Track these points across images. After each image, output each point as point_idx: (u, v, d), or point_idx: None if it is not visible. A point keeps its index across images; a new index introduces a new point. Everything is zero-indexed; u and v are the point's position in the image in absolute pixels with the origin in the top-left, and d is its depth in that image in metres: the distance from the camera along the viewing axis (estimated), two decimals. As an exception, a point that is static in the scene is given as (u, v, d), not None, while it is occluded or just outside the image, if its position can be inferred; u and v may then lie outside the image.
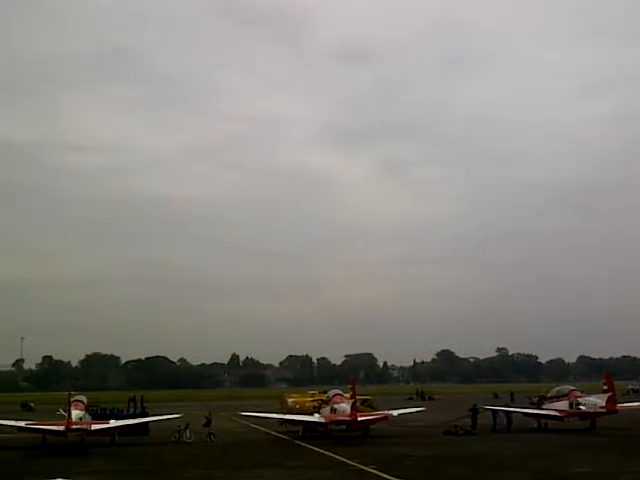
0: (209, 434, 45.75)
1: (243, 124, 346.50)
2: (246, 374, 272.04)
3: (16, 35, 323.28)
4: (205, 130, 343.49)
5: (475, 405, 52.48)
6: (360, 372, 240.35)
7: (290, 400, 60.98)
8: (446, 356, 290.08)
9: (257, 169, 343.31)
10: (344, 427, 47.19)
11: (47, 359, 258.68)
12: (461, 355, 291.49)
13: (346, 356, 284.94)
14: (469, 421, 50.18)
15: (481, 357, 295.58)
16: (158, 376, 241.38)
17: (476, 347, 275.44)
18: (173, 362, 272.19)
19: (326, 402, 50.12)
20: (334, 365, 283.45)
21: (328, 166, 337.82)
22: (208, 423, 49.81)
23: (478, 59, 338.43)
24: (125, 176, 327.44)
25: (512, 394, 73.67)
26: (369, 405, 59.79)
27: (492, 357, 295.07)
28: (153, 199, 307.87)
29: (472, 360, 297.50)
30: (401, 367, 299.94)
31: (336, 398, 49.17)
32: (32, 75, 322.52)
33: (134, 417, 51.76)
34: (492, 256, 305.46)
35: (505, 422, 50.42)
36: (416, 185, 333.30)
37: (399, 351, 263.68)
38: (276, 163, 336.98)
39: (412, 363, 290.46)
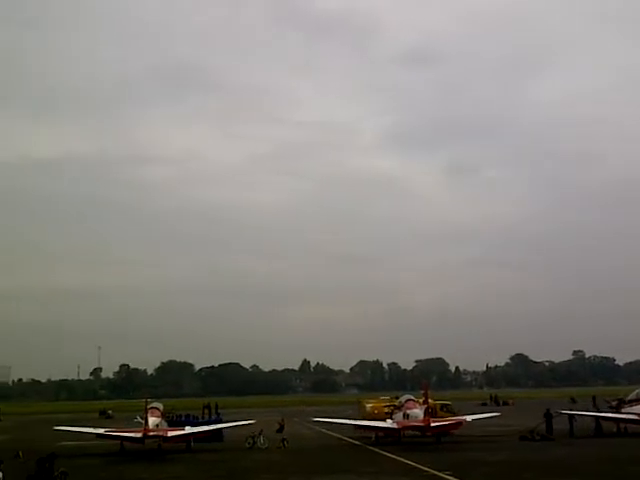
0: (282, 440, 46.05)
1: (308, 131, 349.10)
2: (317, 380, 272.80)
3: (85, 52, 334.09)
4: (270, 138, 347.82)
5: (549, 410, 51.31)
6: (432, 377, 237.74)
7: (368, 406, 60.92)
8: (520, 360, 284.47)
9: (323, 175, 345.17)
10: (418, 433, 46.86)
11: (124, 367, 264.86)
12: (536, 359, 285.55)
13: (417, 361, 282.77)
14: (540, 427, 49.06)
15: (556, 360, 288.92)
16: (231, 382, 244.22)
17: (551, 350, 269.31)
18: (245, 368, 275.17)
19: (398, 408, 49.84)
20: (405, 370, 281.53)
21: (394, 170, 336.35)
22: (281, 429, 50.20)
23: (542, 57, 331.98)
24: (194, 186, 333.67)
25: (594, 398, 71.33)
26: (449, 410, 59.03)
27: (568, 360, 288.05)
28: (223, 208, 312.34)
29: (547, 364, 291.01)
30: (474, 372, 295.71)
31: (409, 404, 48.83)
32: (101, 90, 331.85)
33: (209, 424, 52.56)
34: (564, 257, 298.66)
35: (594, 426, 49.20)
36: (484, 186, 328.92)
37: (471, 355, 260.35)
38: (342, 169, 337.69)
39: (485, 368, 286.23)
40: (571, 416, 50.94)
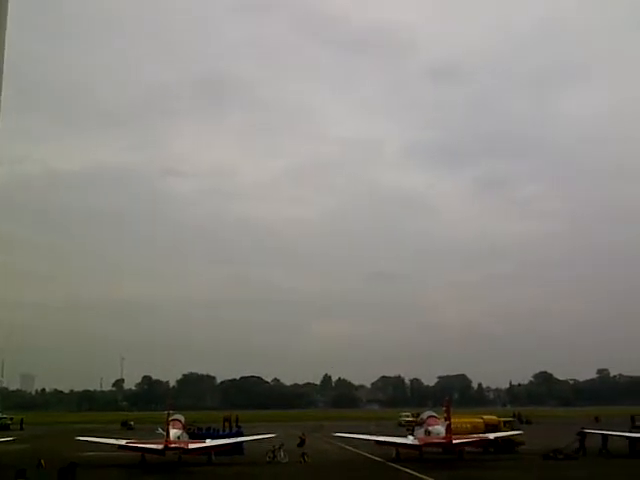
0: (303, 454, 45.87)
1: (338, 146, 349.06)
2: (338, 395, 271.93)
3: (117, 65, 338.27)
4: (301, 153, 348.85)
5: (583, 429, 50.54)
6: (454, 394, 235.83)
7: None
8: (544, 378, 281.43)
9: (352, 191, 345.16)
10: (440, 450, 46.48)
11: (146, 379, 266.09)
12: (560, 377, 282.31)
13: (439, 377, 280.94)
14: (572, 446, 48.37)
15: (580, 379, 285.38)
16: (252, 396, 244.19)
17: (575, 369, 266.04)
18: (267, 382, 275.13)
19: (420, 424, 49.46)
20: (427, 386, 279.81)
21: (423, 185, 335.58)
22: (302, 443, 50.03)
23: (573, 73, 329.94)
24: (222, 200, 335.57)
25: (633, 418, 69.04)
26: (511, 427, 58.03)
27: (592, 379, 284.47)
28: (250, 222, 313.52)
29: (571, 382, 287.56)
30: (497, 389, 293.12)
31: (430, 420, 48.48)
32: (132, 104, 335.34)
33: (230, 437, 52.50)
34: (592, 274, 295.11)
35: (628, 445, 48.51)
36: (515, 202, 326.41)
37: (495, 372, 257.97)
38: (372, 184, 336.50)
39: (508, 385, 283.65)
40: (605, 436, 50.10)
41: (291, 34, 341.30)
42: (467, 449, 47.35)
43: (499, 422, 55.95)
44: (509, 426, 57.48)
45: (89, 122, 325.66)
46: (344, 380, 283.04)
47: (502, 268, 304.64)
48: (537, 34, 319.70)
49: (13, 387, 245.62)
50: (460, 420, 53.19)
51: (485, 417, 57.58)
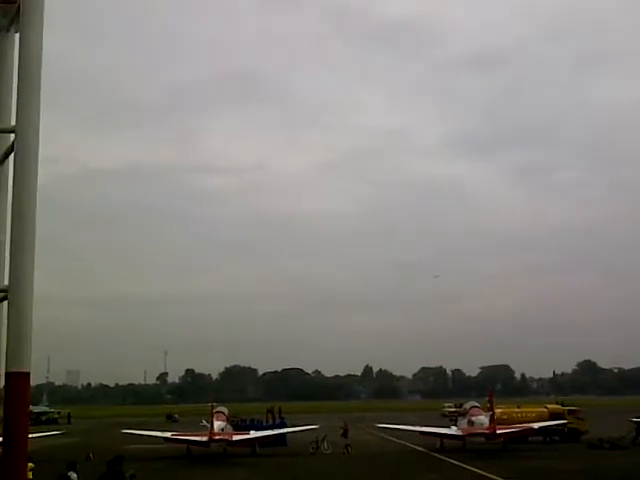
0: (346, 446, 45.97)
1: (371, 138, 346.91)
2: (379, 386, 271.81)
3: (153, 62, 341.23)
4: (333, 146, 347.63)
5: (637, 418, 49.77)
6: (497, 384, 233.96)
7: (497, 411, 60.08)
8: (588, 367, 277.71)
9: (388, 181, 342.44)
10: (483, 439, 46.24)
11: (189, 372, 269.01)
12: (604, 365, 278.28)
13: (481, 368, 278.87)
14: (628, 436, 47.63)
15: (626, 367, 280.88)
16: (293, 387, 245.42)
17: (621, 357, 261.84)
18: (308, 374, 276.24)
19: (463, 414, 49.26)
20: (469, 377, 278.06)
21: (460, 174, 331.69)
22: (345, 434, 50.14)
23: (607, 59, 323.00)
24: (258, 195, 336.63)
25: None
26: (577, 417, 57.44)
27: (638, 367, 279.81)
28: (287, 216, 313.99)
29: (616, 371, 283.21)
30: (540, 379, 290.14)
31: (473, 410, 48.27)
32: (165, 101, 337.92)
33: (273, 428, 52.86)
34: (634, 261, 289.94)
35: None
36: (552, 190, 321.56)
37: (538, 362, 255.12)
38: (406, 175, 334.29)
39: (552, 374, 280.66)
40: None
41: (319, 27, 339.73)
42: (530, 438, 47.19)
43: (564, 411, 55.52)
44: (574, 415, 56.82)
45: (123, 120, 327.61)
46: (385, 371, 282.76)
47: (542, 257, 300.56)
48: (571, 19, 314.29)
49: (59, 382, 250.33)
50: (525, 409, 53.38)
51: (549, 406, 57.48)
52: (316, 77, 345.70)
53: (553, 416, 53.15)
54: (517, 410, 56.15)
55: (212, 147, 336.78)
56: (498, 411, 58.48)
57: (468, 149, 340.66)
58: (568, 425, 52.53)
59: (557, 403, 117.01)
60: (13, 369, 8.03)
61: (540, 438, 50.16)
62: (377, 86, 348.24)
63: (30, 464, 27.66)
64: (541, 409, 55.38)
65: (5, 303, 8.28)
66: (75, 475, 21.72)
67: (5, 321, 8.36)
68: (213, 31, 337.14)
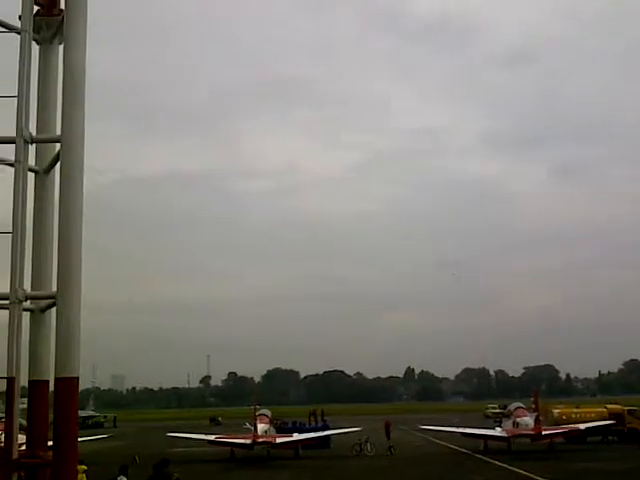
0: (390, 447, 45.84)
1: (407, 137, 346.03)
2: (422, 387, 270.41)
3: (186, 68, 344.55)
4: (369, 146, 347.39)
5: None
6: (541, 384, 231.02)
7: (556, 412, 59.70)
8: (635, 366, 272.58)
9: (423, 181, 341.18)
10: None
11: (232, 375, 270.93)
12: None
13: (525, 368, 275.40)
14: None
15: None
16: (335, 390, 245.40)
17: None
18: (349, 376, 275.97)
19: (507, 416, 48.75)
20: (512, 377, 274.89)
21: (499, 172, 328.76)
22: (387, 434, 50.01)
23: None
24: (295, 197, 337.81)
25: None
26: (637, 417, 56.59)
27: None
28: (324, 218, 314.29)
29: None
30: (585, 379, 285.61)
31: (518, 411, 47.75)
32: (202, 106, 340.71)
33: (316, 430, 52.93)
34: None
35: None
36: (596, 187, 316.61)
37: (583, 362, 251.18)
38: (442, 174, 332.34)
39: (597, 374, 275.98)
40: None
41: (354, 27, 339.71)
42: (589, 439, 47.10)
43: (623, 411, 54.62)
44: (634, 415, 55.83)
45: (162, 127, 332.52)
46: (427, 372, 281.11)
47: (586, 254, 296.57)
48: (607, 14, 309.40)
49: (105, 387, 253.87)
50: (584, 410, 52.88)
51: (609, 406, 56.66)
52: (352, 77, 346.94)
53: (613, 416, 52.44)
54: (576, 410, 55.58)
55: (248, 151, 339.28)
56: (556, 411, 57.88)
57: (505, 146, 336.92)
58: (627, 425, 51.69)
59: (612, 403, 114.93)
60: (62, 374, 8.18)
61: (598, 439, 49.24)
62: (413, 85, 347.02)
63: (83, 466, 28.23)
64: (600, 409, 54.76)
65: (54, 309, 8.45)
66: (125, 479, 21.94)
67: (54, 327, 8.53)
68: (250, 35, 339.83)
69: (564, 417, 54.90)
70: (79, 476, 27.38)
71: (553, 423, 52.13)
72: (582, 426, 49.12)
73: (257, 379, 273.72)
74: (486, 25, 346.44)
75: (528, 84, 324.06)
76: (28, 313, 8.78)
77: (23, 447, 8.68)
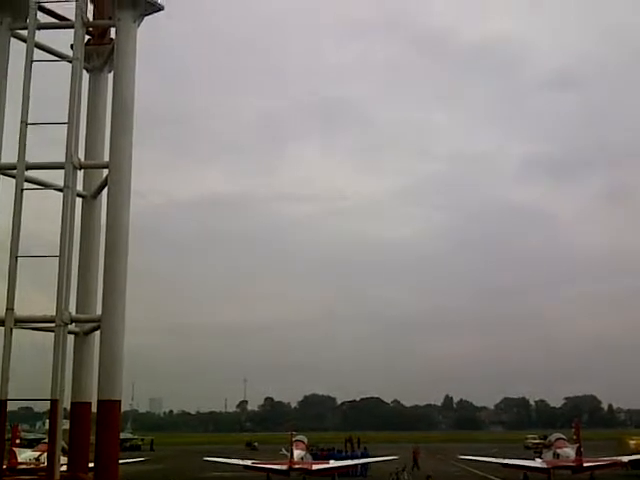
0: (428, 477, 45.15)
1: (451, 162, 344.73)
2: (460, 416, 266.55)
3: (228, 91, 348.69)
4: (414, 171, 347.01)
5: None
6: (583, 415, 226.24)
7: (632, 442, 58.87)
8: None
9: (467, 206, 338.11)
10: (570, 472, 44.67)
11: (268, 400, 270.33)
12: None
13: (566, 398, 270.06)
14: None
15: None
16: (372, 417, 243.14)
17: None
18: (387, 403, 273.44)
19: (548, 447, 47.81)
20: (553, 408, 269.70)
21: (540, 198, 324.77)
22: (415, 462, 49.46)
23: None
24: (337, 220, 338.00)
25: None
26: None
27: None
28: (367, 241, 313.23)
29: None
30: (628, 410, 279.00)
31: (558, 442, 46.80)
32: (244, 130, 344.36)
33: (353, 458, 52.51)
34: None
35: None
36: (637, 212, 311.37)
37: (627, 392, 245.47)
38: (487, 199, 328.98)
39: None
40: None
41: (400, 52, 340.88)
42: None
43: None
44: None
45: (204, 151, 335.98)
46: (466, 401, 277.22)
47: (631, 281, 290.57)
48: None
49: (142, 409, 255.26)
50: None
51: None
52: (397, 101, 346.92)
53: None
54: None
55: (290, 175, 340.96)
56: (632, 442, 56.61)
57: (550, 172, 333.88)
58: None
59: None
60: (105, 397, 8.30)
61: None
62: (458, 109, 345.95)
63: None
64: None
65: (97, 333, 8.59)
66: None
67: (97, 350, 8.65)
68: (292, 59, 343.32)
69: None
70: None
71: (629, 454, 51.28)
72: (625, 458, 47.97)
73: (293, 404, 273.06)
74: (534, 49, 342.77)
75: (575, 108, 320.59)
76: (72, 336, 8.93)
77: (64, 468, 8.79)
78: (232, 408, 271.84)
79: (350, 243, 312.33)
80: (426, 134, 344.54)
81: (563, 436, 49.05)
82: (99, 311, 8.31)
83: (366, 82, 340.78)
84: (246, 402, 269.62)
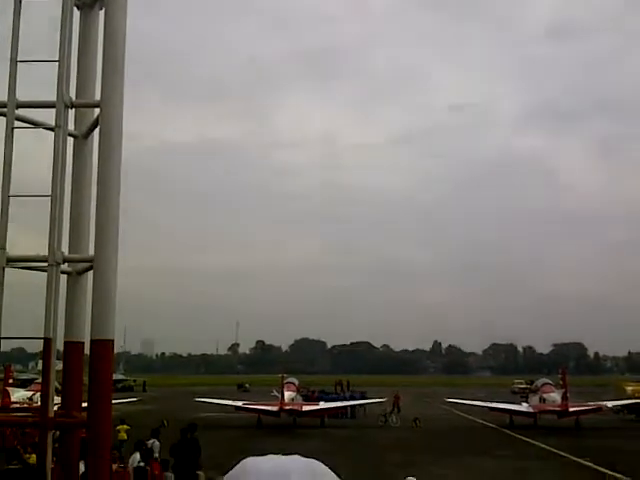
0: (415, 420, 46.08)
1: (448, 112, 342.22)
2: (449, 362, 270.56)
3: (222, 37, 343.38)
4: (408, 121, 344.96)
5: None
6: (569, 362, 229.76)
7: (629, 388, 59.58)
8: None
9: (463, 157, 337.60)
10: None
11: (260, 343, 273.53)
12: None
13: (554, 345, 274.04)
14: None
15: None
16: (362, 361, 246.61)
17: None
18: (377, 348, 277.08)
19: (534, 391, 48.68)
20: (541, 354, 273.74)
21: (538, 148, 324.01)
22: (395, 406, 50.43)
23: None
24: (330, 169, 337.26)
25: None
26: None
27: None
28: (359, 190, 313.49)
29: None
30: (614, 357, 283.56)
31: (545, 387, 47.64)
32: (237, 76, 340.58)
33: (342, 400, 53.36)
34: None
35: None
36: (634, 165, 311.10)
37: (613, 340, 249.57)
38: (484, 150, 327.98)
39: (627, 353, 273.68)
40: None
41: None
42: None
43: None
44: None
45: (196, 96, 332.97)
46: (454, 347, 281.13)
47: (619, 234, 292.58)
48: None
49: (135, 352, 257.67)
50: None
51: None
52: (391, 51, 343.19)
53: None
54: None
55: (283, 122, 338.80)
56: (629, 388, 57.34)
57: (549, 122, 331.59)
58: None
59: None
60: (98, 337, 8.32)
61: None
62: (455, 59, 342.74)
63: (125, 426, 29.12)
64: None
65: (91, 273, 8.59)
66: (158, 443, 22.19)
67: (90, 290, 8.67)
68: (288, 5, 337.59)
69: (638, 394, 54.44)
70: (121, 434, 28.37)
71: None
72: (609, 404, 48.93)
73: (285, 348, 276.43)
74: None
75: (574, 58, 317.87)
76: (65, 276, 8.92)
77: (57, 407, 8.87)
78: (224, 351, 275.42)
79: (340, 192, 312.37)
80: (424, 83, 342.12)
81: (550, 381, 49.93)
82: (92, 252, 8.28)
83: (359, 31, 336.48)
84: (238, 345, 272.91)
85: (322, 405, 47.42)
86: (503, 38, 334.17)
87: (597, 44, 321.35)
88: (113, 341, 8.54)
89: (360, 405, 52.61)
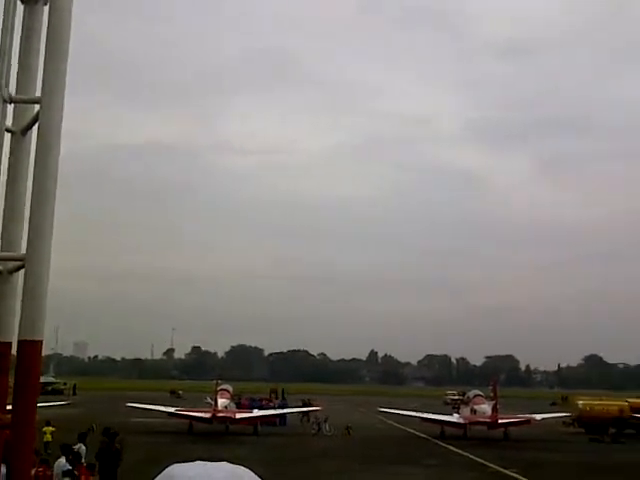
0: (347, 428, 46.34)
1: (398, 123, 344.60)
2: (384, 371, 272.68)
3: (171, 40, 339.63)
4: (356, 130, 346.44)
5: None
6: (501, 374, 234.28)
7: (580, 403, 59.62)
8: (594, 361, 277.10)
9: (412, 167, 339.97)
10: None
11: (196, 349, 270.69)
12: (610, 360, 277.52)
13: (486, 357, 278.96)
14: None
15: (632, 363, 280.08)
16: (299, 369, 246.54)
17: (628, 352, 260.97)
18: (313, 356, 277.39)
19: (466, 402, 49.46)
20: (474, 366, 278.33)
21: (479, 164, 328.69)
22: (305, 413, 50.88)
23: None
24: (277, 177, 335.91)
25: None
26: None
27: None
28: (304, 198, 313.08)
29: (621, 366, 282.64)
30: (544, 371, 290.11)
31: (476, 399, 48.46)
32: (187, 78, 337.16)
33: (276, 408, 53.29)
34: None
35: None
36: (581, 183, 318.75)
37: (543, 354, 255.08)
38: (427, 162, 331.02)
39: (556, 367, 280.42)
40: None
41: (347, 8, 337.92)
42: (610, 430, 47.96)
43: None
44: None
45: (146, 98, 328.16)
46: (390, 357, 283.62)
47: (552, 252, 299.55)
48: (605, 11, 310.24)
49: (66, 354, 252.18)
50: (606, 402, 53.55)
51: (630, 400, 56.56)
52: (342, 59, 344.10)
53: (635, 410, 52.91)
54: (599, 403, 56.17)
55: (233, 127, 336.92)
56: (580, 402, 57.90)
57: (491, 138, 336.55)
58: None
59: (562, 397, 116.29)
60: (26, 337, 8.15)
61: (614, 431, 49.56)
62: (405, 71, 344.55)
63: (51, 428, 28.52)
64: (622, 403, 55.23)
65: (22, 272, 8.43)
66: (84, 448, 21.80)
67: (20, 290, 8.51)
68: (241, 9, 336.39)
69: (587, 408, 55.45)
70: (46, 436, 27.80)
71: (577, 414, 52.88)
72: (538, 417, 50.02)
73: (221, 354, 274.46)
74: (483, 13, 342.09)
75: (521, 76, 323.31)
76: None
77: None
78: (159, 356, 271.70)
79: (285, 199, 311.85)
80: (373, 93, 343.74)
81: (481, 393, 50.82)
82: (24, 250, 8.13)
83: (311, 37, 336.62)
84: (173, 350, 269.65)
85: (255, 413, 47.27)
86: (452, 52, 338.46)
87: (544, 62, 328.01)
88: (42, 342, 8.38)
89: (304, 413, 52.53)
